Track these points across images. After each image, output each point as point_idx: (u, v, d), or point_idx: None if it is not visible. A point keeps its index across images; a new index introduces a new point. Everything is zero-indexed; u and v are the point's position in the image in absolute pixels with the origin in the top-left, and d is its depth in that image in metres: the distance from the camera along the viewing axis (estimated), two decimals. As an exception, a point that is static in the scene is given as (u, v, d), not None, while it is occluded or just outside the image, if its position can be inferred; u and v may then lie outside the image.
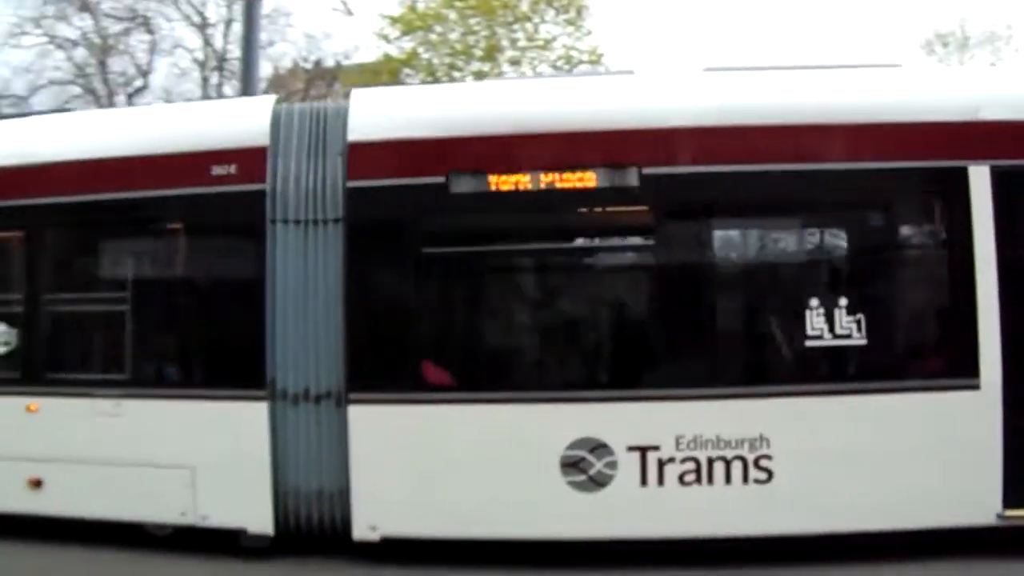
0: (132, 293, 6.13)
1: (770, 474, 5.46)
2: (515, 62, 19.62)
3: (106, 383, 6.06)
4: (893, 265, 5.93)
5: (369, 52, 21.36)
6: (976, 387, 5.36)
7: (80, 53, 24.41)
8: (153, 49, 24.64)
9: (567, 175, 5.59)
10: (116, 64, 24.71)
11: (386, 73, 18.35)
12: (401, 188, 5.73)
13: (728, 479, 5.47)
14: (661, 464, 5.49)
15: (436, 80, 17.37)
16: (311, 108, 6.36)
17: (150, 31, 24.24)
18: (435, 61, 19.55)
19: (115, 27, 24.05)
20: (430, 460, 5.67)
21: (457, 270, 5.99)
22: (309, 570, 5.83)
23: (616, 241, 5.87)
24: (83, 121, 7.32)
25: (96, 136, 6.37)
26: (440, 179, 5.67)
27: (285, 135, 5.89)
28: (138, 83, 24.68)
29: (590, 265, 5.98)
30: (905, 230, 6.06)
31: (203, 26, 24.03)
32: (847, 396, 5.51)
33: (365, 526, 5.69)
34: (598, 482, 5.52)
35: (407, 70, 19.42)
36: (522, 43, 19.93)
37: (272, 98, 6.63)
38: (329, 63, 24.14)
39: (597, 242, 5.91)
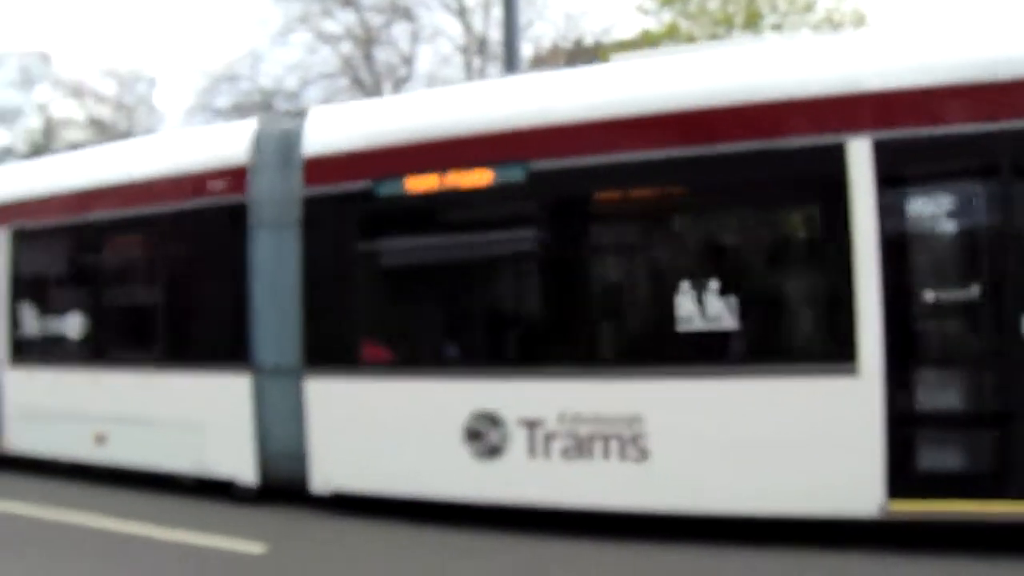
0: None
1: (646, 453, 5.72)
2: (777, 27, 18.67)
3: (144, 360, 7.77)
4: (766, 248, 5.84)
5: (628, 28, 21.30)
6: (854, 372, 5.20)
7: (346, 47, 25.79)
8: (415, 38, 25.42)
9: (466, 174, 6.25)
10: (381, 55, 25.84)
11: (646, 48, 16.46)
12: (339, 195, 6.74)
13: (606, 455, 5.81)
14: (547, 438, 5.97)
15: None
16: (280, 129, 7.48)
17: (411, 21, 25.13)
18: (695, 32, 18.93)
19: (377, 19, 25.24)
20: (367, 427, 6.62)
21: (382, 263, 6.86)
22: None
23: (508, 233, 6.34)
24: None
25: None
26: (368, 184, 6.60)
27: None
28: (402, 72, 25.68)
29: (487, 255, 6.50)
30: (780, 211, 5.89)
31: (462, 12, 24.57)
32: (720, 379, 5.60)
33: (320, 482, 6.80)
34: (494, 452, 6.13)
35: (667, 43, 18.21)
36: (783, 7, 19.17)
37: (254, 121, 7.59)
38: (588, 41, 23.89)
39: (493, 235, 6.43)
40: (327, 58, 25.66)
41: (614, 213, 6.17)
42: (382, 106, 8.13)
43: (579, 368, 5.96)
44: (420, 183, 6.42)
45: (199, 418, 7.28)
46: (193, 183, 7.42)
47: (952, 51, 5.40)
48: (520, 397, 6.08)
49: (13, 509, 7.22)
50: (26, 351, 8.54)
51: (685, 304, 5.59)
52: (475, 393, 6.22)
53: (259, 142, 7.26)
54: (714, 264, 5.69)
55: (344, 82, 25.58)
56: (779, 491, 5.43)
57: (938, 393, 5.36)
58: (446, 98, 7.17)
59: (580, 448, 5.87)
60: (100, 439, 7.83)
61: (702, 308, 5.56)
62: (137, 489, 7.73)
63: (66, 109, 36.52)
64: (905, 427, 5.18)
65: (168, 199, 7.53)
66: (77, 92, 35.26)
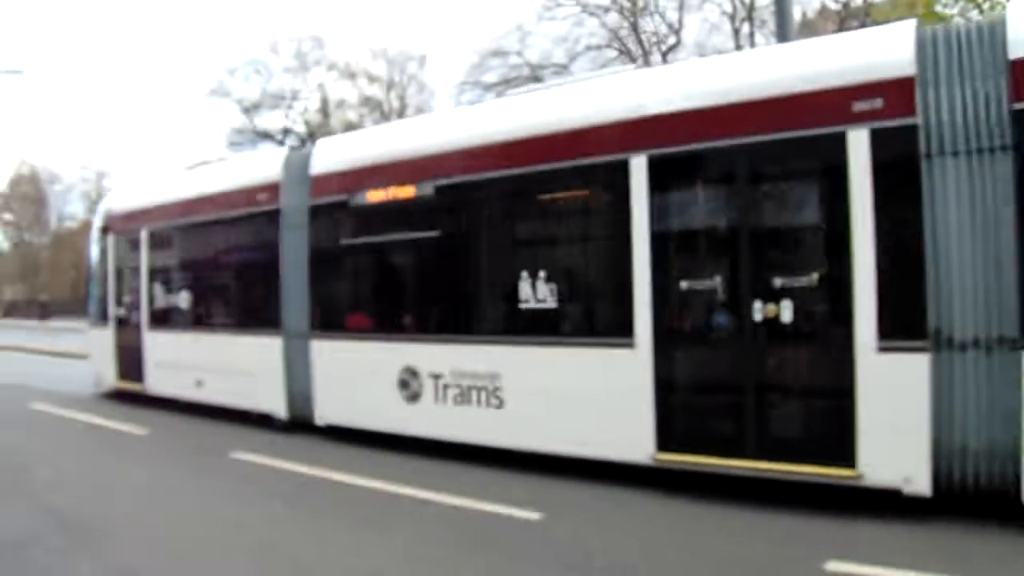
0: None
1: (502, 402, 7.66)
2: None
3: (224, 325, 10.88)
4: (577, 246, 7.47)
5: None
6: (631, 346, 6.79)
7: (612, 18, 25.83)
8: (682, 6, 25.26)
9: (402, 189, 8.50)
10: (648, 24, 25.88)
11: (921, 5, 14.85)
12: (329, 204, 9.30)
13: (482, 403, 7.82)
14: (444, 387, 8.10)
15: (979, 8, 14.58)
16: (300, 154, 10.27)
17: (679, -11, 24.69)
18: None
19: (643, -12, 25.07)
20: (342, 377, 9.15)
21: (353, 255, 9.28)
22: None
23: (422, 234, 8.40)
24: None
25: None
26: (345, 196, 9.06)
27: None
28: (671, 40, 25.65)
29: (412, 251, 8.67)
30: (584, 218, 7.43)
31: (731, -23, 23.82)
32: (548, 347, 7.40)
33: (319, 416, 9.42)
34: (415, 397, 8.37)
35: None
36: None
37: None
38: (859, 1, 23.47)
39: (414, 235, 8.52)
40: (594, 30, 26.03)
41: (478, 218, 8.13)
42: (362, 137, 10.60)
43: (462, 336, 8.04)
44: (376, 195, 8.76)
45: (253, 369, 10.19)
46: (247, 196, 10.32)
47: (700, 79, 6.84)
48: (429, 356, 8.27)
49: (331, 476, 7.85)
50: (158, 319, 12.06)
51: (524, 289, 7.46)
52: (404, 353, 8.49)
53: (287, 164, 10.01)
54: (542, 258, 7.47)
55: (611, 53, 26.00)
56: (587, 438, 7.16)
57: (693, 366, 6.79)
58: (394, 131, 9.65)
59: (464, 396, 7.96)
60: (199, 384, 11.06)
61: (535, 292, 7.40)
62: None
63: (340, 90, 39.37)
64: (669, 392, 6.71)
65: (236, 207, 10.53)
66: (350, 74, 38.09)
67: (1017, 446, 5.36)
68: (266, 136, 38.24)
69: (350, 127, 32.75)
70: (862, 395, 5.77)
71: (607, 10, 25.65)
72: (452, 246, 8.21)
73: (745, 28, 24.39)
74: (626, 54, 25.27)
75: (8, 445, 9.66)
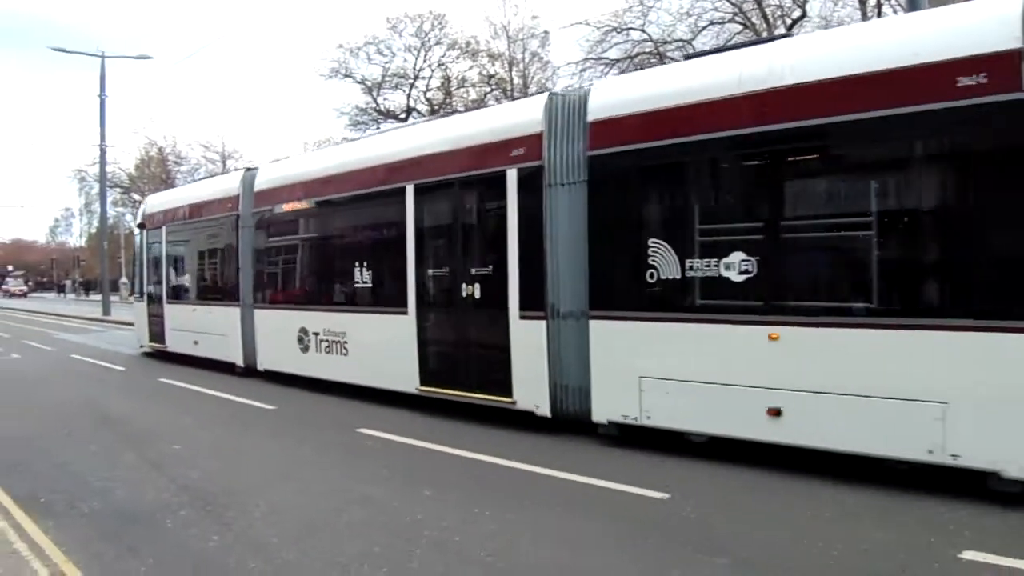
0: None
1: (347, 351, 11.53)
2: None
3: (208, 300, 15.43)
4: (380, 244, 11.31)
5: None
6: (407, 313, 10.53)
7: None
8: None
9: (297, 204, 12.47)
10: None
11: None
12: (264, 213, 13.40)
13: (339, 352, 11.73)
14: (321, 341, 12.08)
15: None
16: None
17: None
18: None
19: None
20: (271, 334, 13.34)
21: (274, 250, 13.50)
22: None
23: (307, 235, 12.51)
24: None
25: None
26: (269, 208, 13.12)
27: None
28: (795, 14, 25.10)
29: (304, 247, 12.72)
30: (382, 225, 11.29)
31: (859, -54, 23.20)
32: (371, 314, 11.30)
33: (259, 363, 13.68)
34: (306, 348, 12.42)
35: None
36: None
37: None
38: None
39: (303, 236, 12.67)
40: (717, 3, 25.68)
41: (334, 225, 12.26)
42: (280, 166, 14.62)
43: (328, 306, 12.08)
44: (284, 208, 12.77)
45: (224, 331, 14.90)
46: (218, 205, 14.70)
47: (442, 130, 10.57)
48: (314, 320, 12.30)
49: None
50: (173, 295, 17.25)
51: (360, 273, 11.31)
52: (301, 317, 12.56)
53: (243, 181, 14.14)
54: (365, 252, 11.36)
55: (735, 27, 25.72)
56: (392, 375, 10.84)
57: (436, 327, 10.37)
58: (294, 161, 14.51)
59: (331, 348, 11.91)
60: (196, 343, 15.88)
61: (363, 276, 11.20)
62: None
63: (462, 69, 38.72)
64: (425, 345, 10.40)
65: (210, 213, 14.97)
66: (471, 52, 37.92)
67: (588, 384, 8.44)
68: (389, 115, 39.16)
69: (473, 105, 33.00)
70: (513, 348, 9.01)
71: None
72: (324, 244, 12.35)
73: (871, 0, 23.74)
74: (750, 27, 25.12)
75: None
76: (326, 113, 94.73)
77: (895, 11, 22.31)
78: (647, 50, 26.90)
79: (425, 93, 39.12)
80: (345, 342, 11.66)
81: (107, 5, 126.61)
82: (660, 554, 5.22)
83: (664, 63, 23.04)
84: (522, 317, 8.94)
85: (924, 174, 6.52)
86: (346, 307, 11.71)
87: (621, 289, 8.05)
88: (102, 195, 35.46)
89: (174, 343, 16.73)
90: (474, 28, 47.31)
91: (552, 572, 5.02)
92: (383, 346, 10.92)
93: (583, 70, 28.00)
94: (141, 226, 18.44)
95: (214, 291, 15.38)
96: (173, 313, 16.79)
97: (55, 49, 30.25)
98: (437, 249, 10.34)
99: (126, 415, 11.02)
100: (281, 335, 12.92)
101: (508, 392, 9.08)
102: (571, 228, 8.48)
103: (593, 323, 8.21)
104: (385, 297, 11.14)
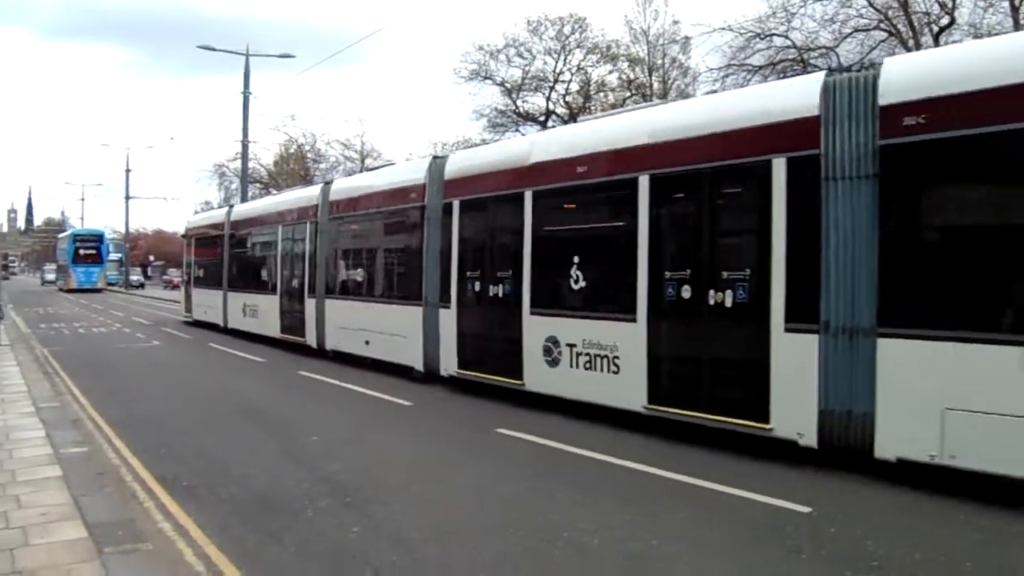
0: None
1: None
2: None
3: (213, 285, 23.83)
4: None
5: None
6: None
7: None
8: None
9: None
10: (919, 4, 24.95)
11: None
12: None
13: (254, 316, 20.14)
14: (251, 311, 20.38)
15: None
16: None
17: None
18: None
19: (917, -34, 23.90)
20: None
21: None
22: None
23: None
24: None
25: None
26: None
27: None
28: (943, 21, 24.81)
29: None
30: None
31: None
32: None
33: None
34: (253, 315, 20.43)
35: None
36: None
37: None
38: None
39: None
40: (862, 10, 25.66)
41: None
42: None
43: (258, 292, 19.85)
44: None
45: (216, 304, 23.01)
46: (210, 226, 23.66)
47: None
48: (247, 299, 20.19)
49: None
50: (197, 282, 25.80)
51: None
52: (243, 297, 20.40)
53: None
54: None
55: (880, 35, 25.69)
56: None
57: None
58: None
59: (255, 314, 20.00)
60: (205, 312, 24.52)
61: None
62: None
63: (601, 73, 38.82)
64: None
65: (212, 229, 22.62)
66: (611, 56, 37.74)
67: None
68: (528, 118, 39.70)
69: (613, 108, 32.04)
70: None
71: (890, -11, 24.94)
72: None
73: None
74: (896, 35, 24.99)
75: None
76: (461, 114, 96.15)
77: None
78: (790, 57, 26.79)
79: (564, 96, 39.30)
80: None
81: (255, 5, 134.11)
82: (815, 571, 5.09)
83: (807, 71, 22.49)
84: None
85: None
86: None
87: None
88: (243, 189, 36.94)
89: (198, 313, 24.37)
90: (614, 31, 47.31)
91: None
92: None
93: (725, 76, 27.86)
94: (184, 236, 26.74)
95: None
96: (198, 293, 24.64)
97: (202, 47, 31.68)
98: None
99: (265, 405, 11.40)
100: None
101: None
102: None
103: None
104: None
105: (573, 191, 10.29)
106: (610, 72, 38.42)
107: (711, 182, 8.52)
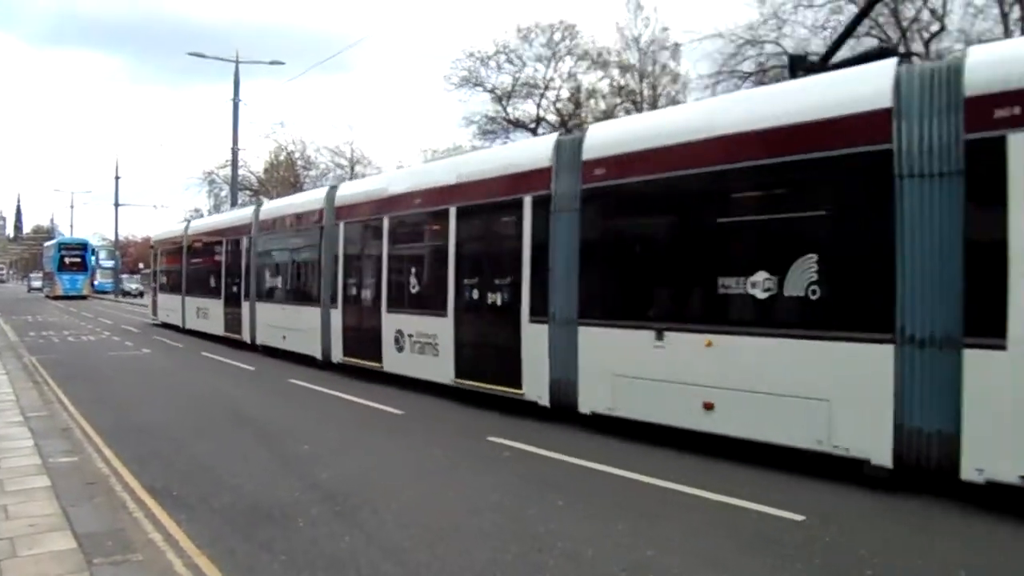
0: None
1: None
2: None
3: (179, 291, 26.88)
4: (235, 264, 21.02)
5: None
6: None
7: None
8: None
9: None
10: (909, 11, 25.10)
11: None
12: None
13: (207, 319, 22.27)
14: (198, 311, 23.57)
15: None
16: None
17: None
18: None
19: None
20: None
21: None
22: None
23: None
24: None
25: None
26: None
27: None
28: (934, 28, 24.92)
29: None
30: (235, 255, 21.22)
31: (997, -41, 22.82)
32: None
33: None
34: (204, 317, 23.21)
35: None
36: None
37: None
38: None
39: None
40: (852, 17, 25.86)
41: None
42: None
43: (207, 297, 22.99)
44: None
45: (174, 307, 26.80)
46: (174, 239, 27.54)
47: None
48: (199, 303, 23.51)
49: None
50: (163, 288, 29.38)
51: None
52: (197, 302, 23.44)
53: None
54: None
55: (871, 41, 25.04)
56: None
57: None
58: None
59: (206, 316, 23.11)
60: (168, 315, 28.03)
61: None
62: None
63: (592, 79, 39.10)
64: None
65: (173, 244, 22.85)
66: (602, 63, 37.93)
67: None
68: (519, 124, 39.66)
69: (603, 116, 33.80)
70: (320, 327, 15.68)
71: (869, -5, 25.18)
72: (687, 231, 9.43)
73: (1016, 12, 23.55)
74: (886, 42, 24.65)
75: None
76: (451, 121, 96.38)
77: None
78: (781, 63, 26.56)
79: (555, 103, 39.49)
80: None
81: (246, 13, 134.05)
82: None
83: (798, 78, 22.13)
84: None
85: None
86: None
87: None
88: (232, 196, 36.68)
89: (164, 316, 28.32)
90: (605, 39, 47.50)
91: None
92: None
93: (716, 83, 28.38)
94: (151, 247, 29.22)
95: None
96: (163, 298, 28.40)
97: (192, 54, 31.54)
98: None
99: (256, 414, 11.34)
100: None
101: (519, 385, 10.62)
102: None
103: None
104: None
105: (413, 218, 13.33)
106: (601, 79, 38.74)
107: (489, 212, 11.45)
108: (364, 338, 14.23)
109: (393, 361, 13.31)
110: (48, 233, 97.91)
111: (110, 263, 65.90)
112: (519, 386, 10.46)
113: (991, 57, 6.73)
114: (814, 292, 7.38)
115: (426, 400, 12.09)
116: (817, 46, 25.63)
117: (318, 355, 15.91)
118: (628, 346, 9.00)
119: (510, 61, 38.53)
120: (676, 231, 9.00)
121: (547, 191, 10.09)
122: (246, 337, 20.04)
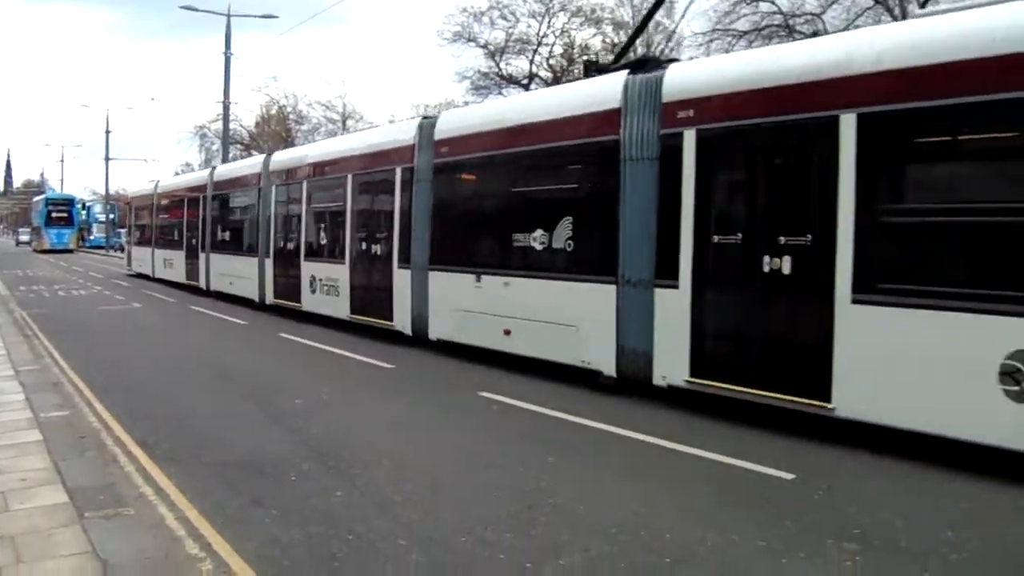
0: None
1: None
2: None
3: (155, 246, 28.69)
4: (193, 219, 23.64)
5: None
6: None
7: None
8: None
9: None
10: None
11: None
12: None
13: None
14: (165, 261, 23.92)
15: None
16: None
17: (942, -71, 23.90)
18: None
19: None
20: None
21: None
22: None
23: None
24: None
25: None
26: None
27: None
28: None
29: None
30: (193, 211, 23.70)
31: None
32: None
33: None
34: (170, 267, 24.49)
35: None
36: None
37: None
38: None
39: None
40: None
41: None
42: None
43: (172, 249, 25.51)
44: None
45: (177, 261, 25.67)
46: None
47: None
48: (166, 255, 25.85)
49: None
50: (137, 242, 31.87)
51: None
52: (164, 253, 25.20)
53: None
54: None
55: (867, 2, 25.65)
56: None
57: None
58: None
59: (171, 266, 25.49)
60: (151, 267, 28.86)
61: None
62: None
63: (586, 36, 38.71)
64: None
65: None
66: (595, 20, 37.74)
67: None
68: (512, 80, 39.42)
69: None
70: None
71: (867, -43, 24.81)
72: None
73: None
74: (882, 3, 25.01)
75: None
76: (443, 76, 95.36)
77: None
78: (776, 22, 26.92)
79: (548, 59, 39.03)
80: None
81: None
82: (798, 538, 5.03)
83: (794, 37, 22.59)
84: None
85: None
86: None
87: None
88: (224, 150, 36.16)
89: (137, 267, 30.59)
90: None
91: (678, 550, 4.84)
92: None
93: (710, 41, 28.20)
94: (127, 204, 30.65)
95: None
96: (136, 250, 31.07)
97: (184, 7, 31.09)
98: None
99: (247, 368, 11.41)
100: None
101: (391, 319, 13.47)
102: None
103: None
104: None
105: (323, 183, 15.97)
106: (594, 35, 38.36)
107: (373, 179, 14.07)
108: (289, 283, 16.94)
109: (309, 301, 16.05)
110: (38, 188, 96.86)
111: (106, 217, 65.44)
112: (391, 319, 13.14)
113: (680, 73, 8.87)
114: (570, 245, 9.80)
115: (415, 354, 12.10)
116: (812, 5, 26.52)
117: (256, 298, 18.70)
118: (460, 287, 11.45)
119: (503, 17, 38.01)
120: (488, 197, 11.57)
121: (411, 164, 12.72)
122: (202, 284, 22.67)
